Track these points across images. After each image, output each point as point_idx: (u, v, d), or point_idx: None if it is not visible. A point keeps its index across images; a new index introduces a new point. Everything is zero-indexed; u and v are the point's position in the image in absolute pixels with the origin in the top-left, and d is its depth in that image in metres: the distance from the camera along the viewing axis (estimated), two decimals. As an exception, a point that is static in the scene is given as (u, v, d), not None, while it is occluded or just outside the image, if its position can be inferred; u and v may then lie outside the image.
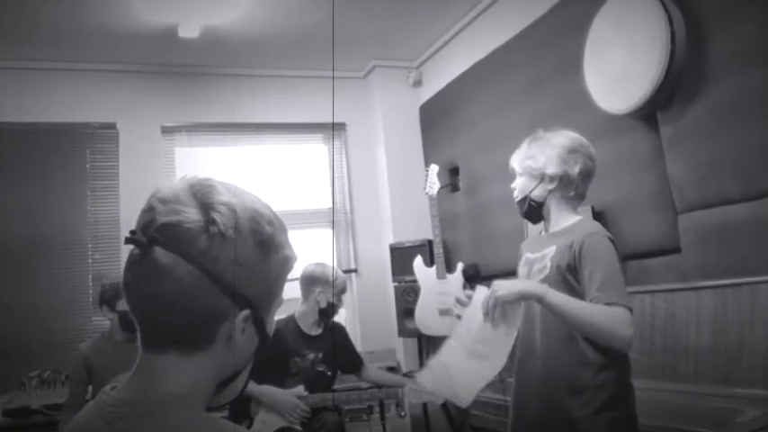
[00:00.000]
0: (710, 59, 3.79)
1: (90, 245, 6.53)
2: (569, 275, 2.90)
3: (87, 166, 6.69)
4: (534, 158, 3.06)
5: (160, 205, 1.26)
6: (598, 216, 4.46)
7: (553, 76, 5.25)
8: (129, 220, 6.15)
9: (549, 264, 2.99)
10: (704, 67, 3.82)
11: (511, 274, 5.81)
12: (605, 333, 2.70)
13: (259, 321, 1.32)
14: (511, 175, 3.22)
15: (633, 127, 4.37)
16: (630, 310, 2.71)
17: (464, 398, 2.89)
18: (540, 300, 2.77)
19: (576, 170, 3.03)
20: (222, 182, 1.33)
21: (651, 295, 4.02)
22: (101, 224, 6.59)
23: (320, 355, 4.79)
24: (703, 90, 3.84)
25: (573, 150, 3.04)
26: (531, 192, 3.08)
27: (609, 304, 2.68)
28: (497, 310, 2.83)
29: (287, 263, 1.36)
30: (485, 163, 6.22)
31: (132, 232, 1.26)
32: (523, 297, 2.84)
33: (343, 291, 5.01)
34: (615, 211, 4.50)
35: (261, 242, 1.28)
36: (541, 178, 3.06)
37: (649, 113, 4.18)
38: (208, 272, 1.22)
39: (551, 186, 3.06)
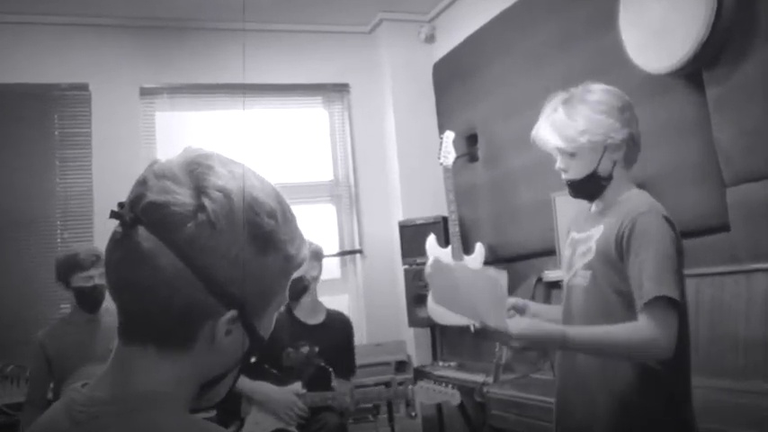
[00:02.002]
0: (764, 12, 3.77)
1: (59, 222, 6.54)
2: (617, 262, 2.86)
3: (56, 133, 6.70)
4: (590, 129, 2.93)
5: (153, 179, 1.25)
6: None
7: (584, 30, 5.23)
8: (102, 194, 6.21)
9: (593, 247, 2.95)
10: (756, 20, 3.79)
11: (536, 255, 5.80)
12: (642, 352, 2.73)
13: (249, 324, 1.31)
14: (541, 150, 3.14)
15: (675, 88, 4.35)
16: (676, 304, 2.70)
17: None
18: (562, 346, 2.82)
19: (637, 130, 3.00)
20: (226, 160, 1.32)
21: (696, 279, 3.99)
22: (71, 199, 6.59)
23: (316, 348, 4.79)
24: (755, 46, 3.81)
25: (626, 106, 2.98)
26: (597, 167, 2.97)
27: (657, 298, 2.67)
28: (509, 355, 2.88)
29: (288, 263, 1.34)
30: (507, 129, 6.21)
31: (121, 205, 1.26)
32: (541, 346, 2.87)
33: (317, 257, 5.00)
34: (654, 184, 4.47)
35: (257, 237, 1.26)
36: (605, 149, 2.95)
37: (693, 73, 4.15)
38: (191, 263, 1.21)
39: (618, 156, 2.97)
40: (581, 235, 3.08)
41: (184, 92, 7.24)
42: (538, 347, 2.87)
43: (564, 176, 3.07)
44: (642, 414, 2.81)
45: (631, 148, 3.00)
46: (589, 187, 3.03)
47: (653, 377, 2.81)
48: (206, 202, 1.22)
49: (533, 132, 3.13)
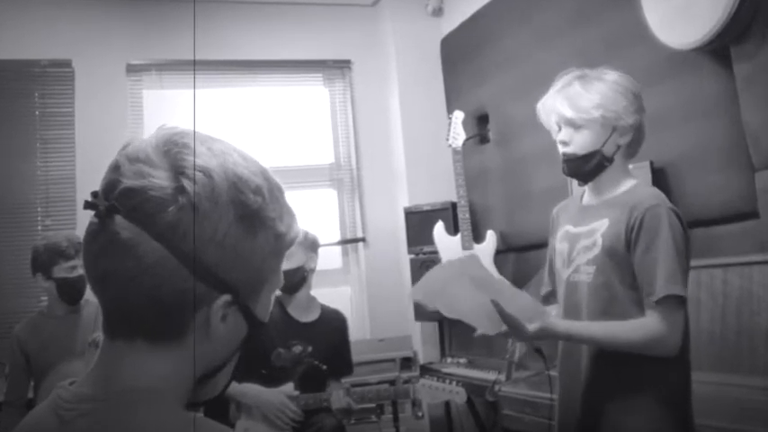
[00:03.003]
0: (797, -19, 3.76)
1: (39, 209, 6.53)
2: (626, 257, 2.92)
3: (36, 112, 6.68)
4: (604, 105, 3.00)
5: (126, 164, 1.25)
6: (658, 174, 4.45)
7: (602, 2, 5.22)
8: (86, 178, 6.22)
9: (599, 242, 2.99)
10: (789, -9, 3.78)
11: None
12: (646, 349, 2.83)
13: (244, 308, 1.32)
14: (553, 124, 3.17)
15: (700, 65, 4.34)
16: (684, 302, 2.81)
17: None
18: (569, 338, 2.97)
19: (643, 122, 3.06)
20: (203, 136, 1.31)
21: (723, 270, 3.99)
22: (53, 183, 6.58)
23: (309, 348, 4.74)
24: (788, 19, 3.80)
25: (639, 94, 3.08)
26: (603, 146, 3.03)
27: (667, 297, 2.76)
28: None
29: (279, 242, 1.34)
30: (520, 109, 6.16)
31: (95, 194, 1.25)
32: (548, 337, 2.94)
33: (313, 248, 4.97)
34: (678, 167, 4.48)
35: (244, 216, 1.26)
36: (614, 129, 3.03)
37: (720, 48, 4.14)
38: (175, 250, 1.21)
39: (623, 141, 3.06)
40: (580, 229, 3.13)
41: (174, 68, 7.21)
42: (542, 337, 2.94)
43: (563, 149, 3.11)
44: (644, 411, 2.88)
45: (636, 137, 3.09)
46: (588, 166, 3.07)
47: (655, 374, 2.88)
48: (186, 183, 1.22)
49: (539, 104, 3.21)
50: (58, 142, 6.66)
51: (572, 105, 3.04)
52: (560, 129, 3.11)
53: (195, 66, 7.24)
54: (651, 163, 4.45)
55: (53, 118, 6.70)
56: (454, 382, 4.60)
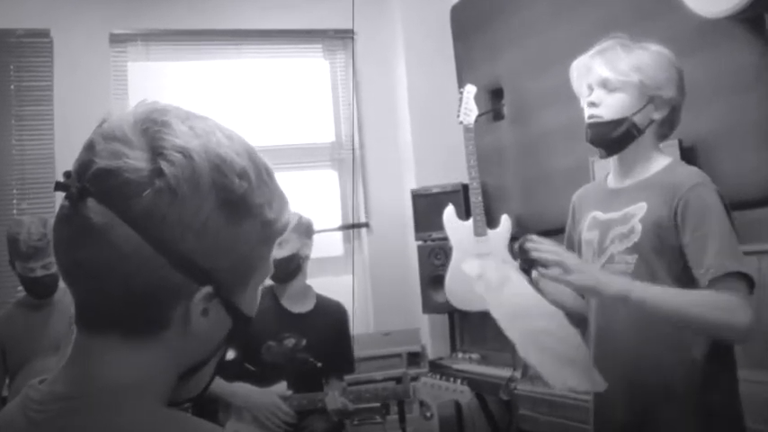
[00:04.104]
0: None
1: (15, 190, 6.54)
2: (673, 243, 2.88)
3: (11, 86, 6.68)
4: (644, 70, 2.99)
5: (101, 142, 1.24)
6: (687, 153, 4.43)
7: (628, -34, 5.19)
8: (65, 157, 6.19)
9: (637, 228, 2.96)
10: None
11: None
12: (716, 326, 2.73)
13: (227, 301, 1.32)
14: (584, 87, 3.15)
15: (733, 34, 4.32)
16: (752, 284, 2.73)
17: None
18: (625, 299, 2.76)
19: (682, 102, 3.04)
20: (185, 113, 1.31)
21: (759, 257, 3.97)
22: (29, 163, 6.58)
23: (304, 341, 4.74)
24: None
25: (682, 73, 3.06)
26: (634, 114, 3.01)
27: (728, 275, 2.70)
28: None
29: (267, 229, 1.34)
30: (537, 82, 6.19)
31: (67, 174, 1.25)
32: (598, 293, 2.84)
33: (308, 234, 4.93)
34: (709, 146, 4.47)
35: (227, 202, 1.26)
36: (650, 100, 3.01)
37: (755, 17, 4.12)
38: (151, 238, 1.20)
39: (658, 115, 3.04)
40: (612, 215, 3.09)
41: (162, 39, 7.22)
42: (591, 293, 2.87)
43: (590, 111, 3.08)
44: (696, 408, 2.85)
45: (671, 117, 3.07)
46: (615, 133, 3.03)
47: (703, 366, 2.85)
48: (163, 165, 1.21)
49: (573, 64, 3.18)
50: (34, 119, 6.66)
51: (610, 66, 3.01)
52: (592, 91, 3.08)
53: (182, 36, 7.22)
54: (680, 142, 4.42)
55: (30, 92, 6.69)
56: (459, 381, 4.58)
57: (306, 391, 4.63)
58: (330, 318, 4.99)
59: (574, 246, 3.33)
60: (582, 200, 3.35)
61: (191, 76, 7.31)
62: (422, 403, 5.12)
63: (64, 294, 4.68)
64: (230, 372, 4.40)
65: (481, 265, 3.05)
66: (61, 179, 1.24)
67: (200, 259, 1.24)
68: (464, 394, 4.47)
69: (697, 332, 2.83)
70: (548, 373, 2.77)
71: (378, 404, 5.16)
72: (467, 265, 3.06)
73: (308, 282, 5.00)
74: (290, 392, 4.57)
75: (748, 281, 2.73)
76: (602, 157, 3.18)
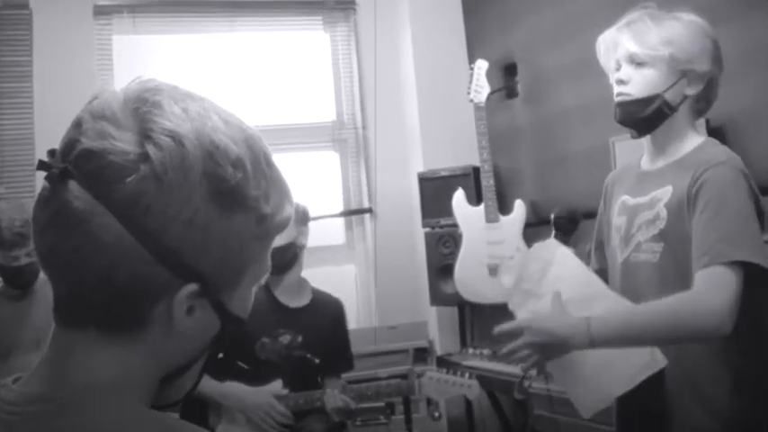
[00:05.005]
0: None
1: (-8, 173, 6.53)
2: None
3: (-12, 62, 6.66)
4: (675, 43, 2.95)
5: (89, 120, 1.23)
6: (715, 133, 4.39)
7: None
8: (46, 137, 6.19)
9: (663, 214, 2.94)
10: None
11: (590, 215, 5.78)
12: (691, 327, 2.70)
13: (215, 301, 1.31)
14: (611, 62, 3.13)
15: (763, 4, 4.29)
16: (746, 270, 2.68)
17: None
18: (590, 344, 2.78)
19: (719, 75, 3.01)
20: (181, 93, 1.29)
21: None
22: (7, 144, 6.56)
23: (299, 337, 4.73)
24: None
25: (718, 45, 3.03)
26: (665, 90, 2.98)
27: (726, 265, 2.66)
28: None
29: (263, 225, 1.32)
30: (554, 57, 6.19)
31: (51, 153, 1.24)
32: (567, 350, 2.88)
33: (303, 221, 4.91)
34: (739, 125, 4.46)
35: (219, 192, 1.24)
36: (682, 75, 2.98)
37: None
38: (134, 227, 1.19)
39: (692, 91, 3.00)
40: (639, 199, 3.08)
41: (150, 10, 7.19)
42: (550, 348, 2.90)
43: (619, 89, 3.06)
44: (728, 412, 2.83)
45: (707, 93, 3.03)
46: (646, 112, 3.01)
47: (742, 365, 2.83)
48: (151, 149, 1.20)
49: (599, 38, 3.16)
50: (13, 96, 6.61)
51: (638, 39, 2.98)
52: (620, 68, 3.05)
53: (172, 7, 7.20)
54: (707, 121, 4.38)
55: (8, 68, 6.64)
56: (467, 374, 4.55)
57: (302, 390, 4.63)
58: (328, 313, 5.00)
59: (603, 231, 3.31)
60: (614, 182, 3.34)
61: (180, 51, 7.30)
62: (429, 402, 5.11)
63: (45, 283, 4.66)
64: (221, 370, 4.41)
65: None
66: (44, 159, 1.23)
67: (187, 254, 1.23)
68: (472, 389, 4.45)
69: (673, 342, 2.82)
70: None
71: (381, 403, 5.14)
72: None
73: (308, 272, 5.01)
74: (285, 391, 4.57)
75: (749, 270, 2.67)
76: (633, 138, 3.17)
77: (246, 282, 1.36)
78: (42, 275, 4.50)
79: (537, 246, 3.31)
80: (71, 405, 1.21)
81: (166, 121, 1.22)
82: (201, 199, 1.21)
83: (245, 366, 4.57)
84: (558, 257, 3.13)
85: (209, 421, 4.50)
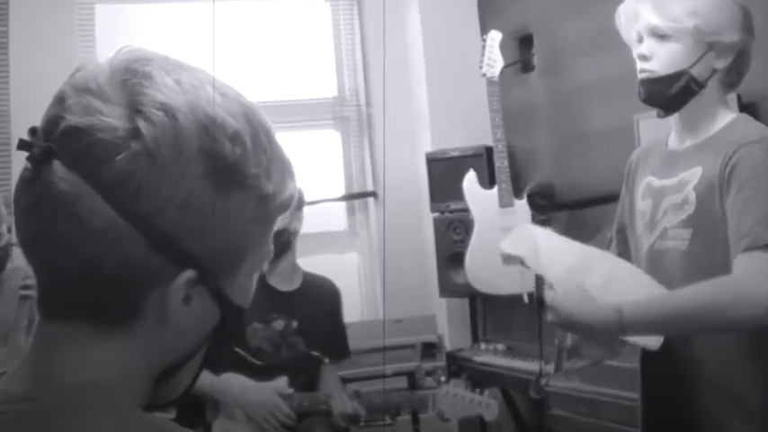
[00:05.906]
0: None
1: (-34, 155, 6.53)
2: (725, 214, 2.81)
3: (-40, 36, 6.63)
4: (700, 13, 2.90)
5: (74, 95, 1.21)
6: (747, 110, 4.36)
7: None
8: (23, 116, 6.20)
9: (692, 198, 2.91)
10: None
11: (611, 199, 5.77)
12: (731, 313, 2.67)
13: (214, 288, 1.29)
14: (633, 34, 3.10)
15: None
16: None
17: None
18: (622, 330, 2.76)
19: (750, 49, 2.98)
20: (173, 63, 1.28)
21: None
22: (-19, 123, 6.56)
23: (294, 323, 4.75)
24: None
25: (748, 13, 2.99)
26: (691, 66, 2.94)
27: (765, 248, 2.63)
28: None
29: (265, 205, 1.31)
30: (573, 28, 6.18)
31: (33, 131, 1.22)
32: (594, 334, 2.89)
33: (298, 206, 4.91)
34: (765, 104, 4.42)
35: (216, 170, 1.22)
36: (709, 47, 2.93)
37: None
38: (124, 210, 1.17)
39: (721, 64, 2.96)
40: (667, 181, 3.05)
41: (135, -24, 7.15)
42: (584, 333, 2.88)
43: (642, 66, 3.03)
44: (760, 411, 2.81)
45: (738, 64, 2.99)
46: (672, 90, 2.97)
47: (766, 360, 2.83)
48: (141, 124, 1.17)
49: (619, 8, 3.12)
50: (-13, 71, 6.62)
51: (659, 11, 2.92)
52: (642, 41, 3.01)
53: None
54: (739, 97, 4.38)
55: (-19, 41, 6.64)
56: (486, 392, 4.54)
57: (301, 384, 4.66)
58: (321, 294, 5.06)
59: (626, 215, 3.28)
60: (639, 161, 3.32)
61: (168, 21, 7.30)
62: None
63: (13, 272, 4.64)
64: (219, 360, 4.36)
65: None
66: (25, 137, 1.21)
67: (182, 238, 1.22)
68: (490, 408, 4.44)
69: (710, 332, 2.81)
70: None
71: (388, 416, 5.15)
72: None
73: (307, 260, 5.08)
74: (290, 390, 4.58)
75: None
76: (659, 117, 3.13)
77: (247, 268, 1.35)
78: (9, 267, 4.52)
79: (512, 238, 3.27)
80: (57, 406, 1.19)
81: (158, 93, 1.20)
82: (197, 178, 1.20)
83: (247, 357, 4.62)
84: (539, 239, 3.11)
85: (205, 416, 4.52)
